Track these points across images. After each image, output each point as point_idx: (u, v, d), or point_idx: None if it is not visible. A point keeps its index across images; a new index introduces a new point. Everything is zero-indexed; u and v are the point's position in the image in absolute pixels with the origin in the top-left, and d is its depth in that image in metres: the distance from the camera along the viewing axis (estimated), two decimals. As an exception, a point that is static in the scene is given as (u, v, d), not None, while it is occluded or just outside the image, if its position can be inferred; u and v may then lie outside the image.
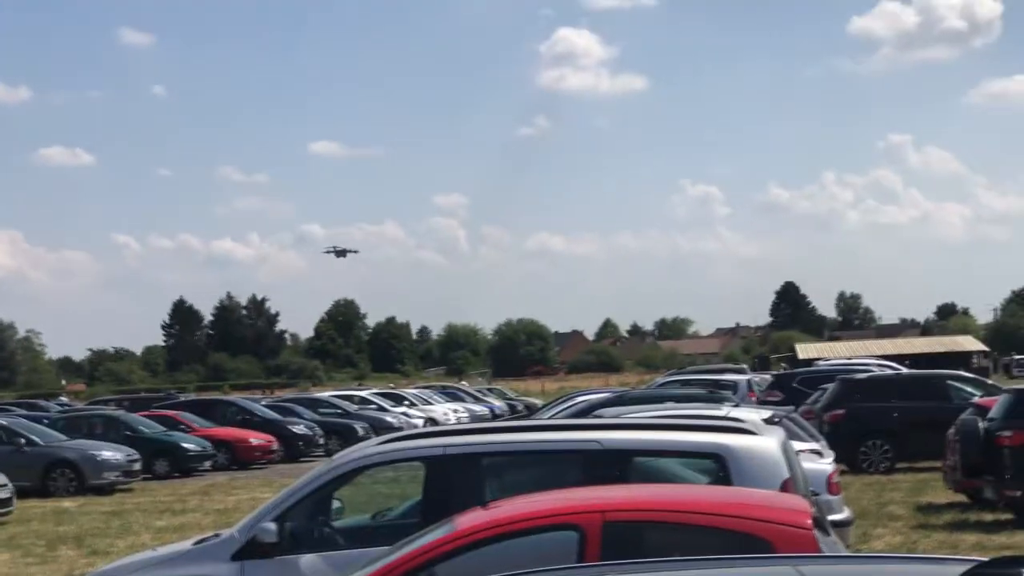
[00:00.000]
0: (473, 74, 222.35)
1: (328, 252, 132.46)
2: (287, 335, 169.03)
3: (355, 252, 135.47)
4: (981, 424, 19.84)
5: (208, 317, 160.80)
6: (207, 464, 36.13)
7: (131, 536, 21.87)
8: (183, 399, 54.53)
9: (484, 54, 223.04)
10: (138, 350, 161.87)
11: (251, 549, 9.62)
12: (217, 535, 10.26)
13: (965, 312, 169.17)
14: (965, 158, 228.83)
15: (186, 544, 10.55)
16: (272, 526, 9.58)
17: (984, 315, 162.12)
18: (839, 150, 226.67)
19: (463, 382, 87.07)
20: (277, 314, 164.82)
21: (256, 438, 38.66)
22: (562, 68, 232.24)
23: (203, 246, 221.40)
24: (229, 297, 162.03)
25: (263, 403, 46.62)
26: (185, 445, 35.97)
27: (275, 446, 38.89)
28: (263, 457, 38.41)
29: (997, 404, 20.59)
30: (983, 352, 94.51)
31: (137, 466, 32.22)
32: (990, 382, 34.69)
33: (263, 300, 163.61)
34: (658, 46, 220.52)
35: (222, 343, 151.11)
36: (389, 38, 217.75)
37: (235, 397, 55.17)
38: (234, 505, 26.19)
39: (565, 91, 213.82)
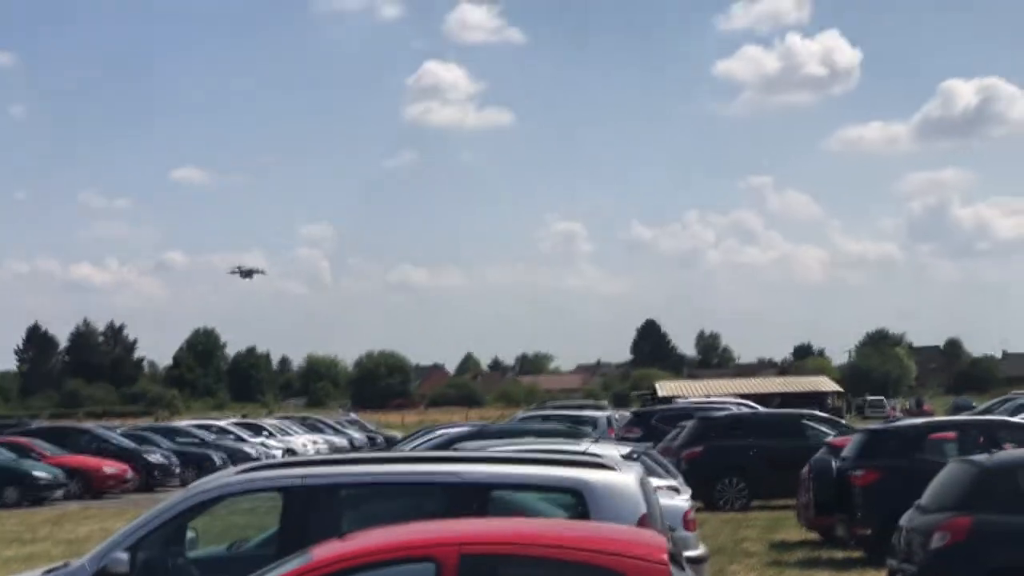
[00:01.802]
0: (341, 104, 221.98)
1: (233, 273, 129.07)
2: (145, 363, 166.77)
3: (261, 272, 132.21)
4: (834, 463, 20.16)
5: (64, 343, 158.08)
6: (59, 493, 35.40)
7: (-23, 565, 21.32)
8: (35, 426, 53.39)
9: (353, 84, 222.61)
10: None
11: (102, 580, 9.42)
12: (66, 564, 10.04)
13: (821, 353, 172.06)
14: (822, 202, 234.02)
15: (35, 574, 10.30)
16: (124, 556, 9.39)
17: (839, 356, 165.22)
18: (702, 190, 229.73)
19: (351, 413, 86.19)
20: (135, 341, 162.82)
21: (110, 467, 37.98)
22: (429, 101, 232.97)
23: (60, 270, 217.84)
24: (86, 323, 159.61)
25: (119, 431, 45.83)
26: (36, 473, 35.20)
27: (130, 475, 38.24)
28: (117, 486, 37.74)
29: (850, 444, 20.95)
30: (838, 393, 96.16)
31: (-14, 494, 31.48)
32: (844, 422, 35.31)
33: (121, 327, 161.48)
34: (525, 82, 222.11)
35: (78, 370, 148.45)
36: (256, 65, 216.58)
37: (90, 424, 54.18)
38: (86, 535, 25.66)
39: (432, 124, 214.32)
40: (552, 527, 8.04)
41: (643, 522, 9.02)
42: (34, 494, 34.65)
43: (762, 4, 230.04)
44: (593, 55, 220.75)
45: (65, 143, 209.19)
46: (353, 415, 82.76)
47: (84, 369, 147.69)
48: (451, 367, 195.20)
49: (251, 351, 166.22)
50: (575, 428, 27.55)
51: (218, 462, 40.59)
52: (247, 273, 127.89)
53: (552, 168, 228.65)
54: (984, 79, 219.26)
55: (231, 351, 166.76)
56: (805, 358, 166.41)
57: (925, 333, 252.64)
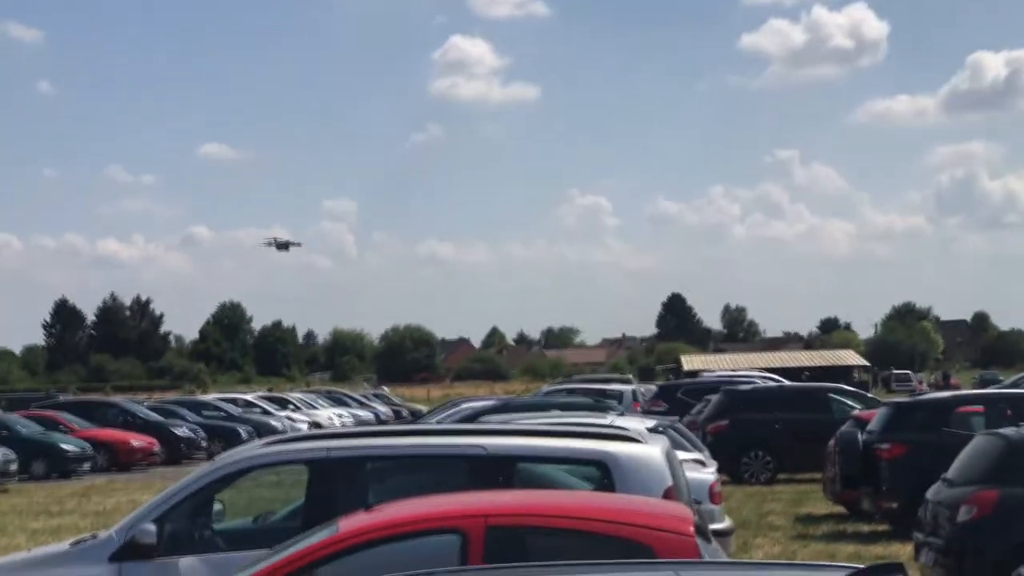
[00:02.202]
0: (366, 80, 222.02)
1: (268, 244, 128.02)
2: (171, 337, 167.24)
3: (298, 245, 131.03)
4: (860, 437, 20.13)
5: (91, 318, 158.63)
6: (87, 466, 35.59)
7: (5, 538, 21.46)
8: (63, 400, 53.68)
9: (378, 60, 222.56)
10: (17, 349, 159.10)
11: (129, 551, 9.45)
12: (94, 536, 10.08)
13: (847, 327, 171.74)
14: (849, 175, 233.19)
15: (63, 545, 10.35)
16: (151, 527, 9.43)
17: (865, 330, 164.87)
18: (728, 164, 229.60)
19: (383, 387, 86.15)
20: (161, 316, 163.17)
21: (137, 440, 38.16)
22: (454, 76, 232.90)
23: (88, 246, 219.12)
24: (113, 298, 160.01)
25: (146, 405, 46.04)
26: (64, 446, 35.40)
27: (157, 448, 38.43)
28: (144, 459, 37.93)
29: (876, 417, 20.91)
30: (864, 366, 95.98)
31: (14, 467, 31.67)
32: (870, 396, 35.23)
33: (147, 301, 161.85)
34: (550, 56, 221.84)
35: (105, 344, 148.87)
36: (282, 41, 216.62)
37: (117, 398, 54.42)
38: (113, 507, 25.82)
39: (457, 99, 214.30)
40: (578, 499, 8.05)
41: (669, 494, 9.01)
42: (62, 467, 34.86)
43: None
44: (618, 29, 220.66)
45: (92, 119, 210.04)
46: (385, 388, 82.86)
47: (111, 343, 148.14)
48: (477, 341, 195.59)
49: (277, 325, 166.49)
50: (600, 402, 27.48)
51: (244, 435, 40.72)
52: (283, 245, 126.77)
53: (577, 143, 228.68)
54: (1012, 52, 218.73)
55: (257, 325, 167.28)
56: (831, 332, 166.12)
57: (952, 307, 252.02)
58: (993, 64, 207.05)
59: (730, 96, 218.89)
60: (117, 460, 37.17)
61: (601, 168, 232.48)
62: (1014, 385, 49.01)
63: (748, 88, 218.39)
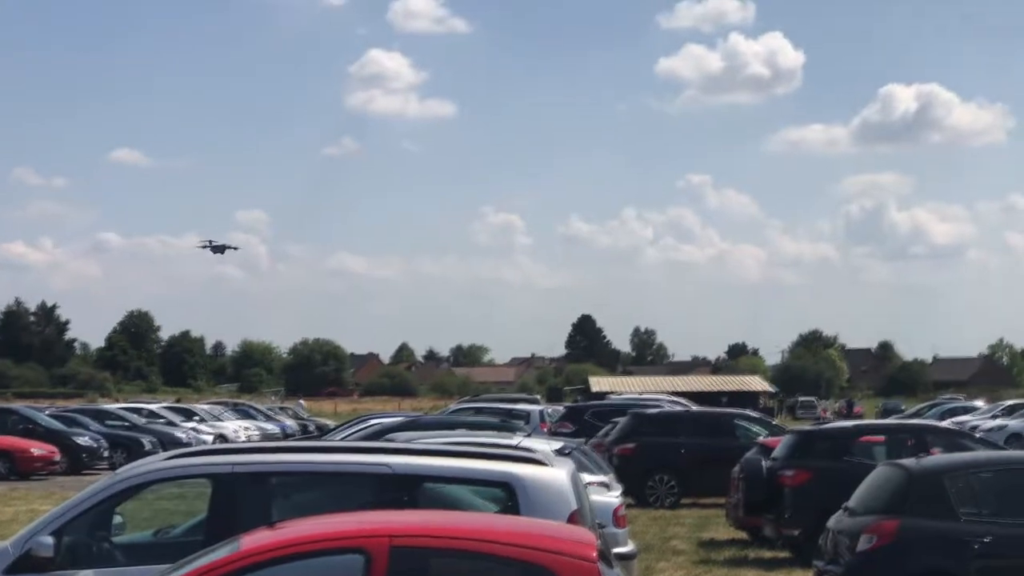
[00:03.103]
0: (282, 90, 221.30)
1: (204, 247, 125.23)
2: (77, 344, 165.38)
3: (235, 248, 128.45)
4: (764, 463, 20.29)
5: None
6: (-16, 473, 35.02)
7: (-100, 545, 21.03)
8: (-38, 405, 52.79)
9: (295, 71, 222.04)
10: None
11: (25, 563, 9.30)
12: (-10, 547, 9.92)
13: (755, 353, 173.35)
14: (761, 202, 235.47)
15: (-43, 555, 10.17)
16: (49, 540, 9.29)
17: (772, 356, 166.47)
18: (641, 187, 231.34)
19: (301, 402, 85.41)
20: (67, 322, 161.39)
21: (38, 448, 37.55)
22: (372, 89, 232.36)
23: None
24: (17, 302, 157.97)
25: (47, 412, 45.39)
26: (-38, 453, 34.81)
27: (58, 457, 37.82)
28: (45, 468, 37.33)
29: (781, 444, 21.08)
30: (770, 392, 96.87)
31: (-90, 472, 31.10)
32: (775, 422, 35.54)
33: (53, 307, 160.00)
34: (468, 73, 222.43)
35: (7, 349, 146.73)
36: (198, 48, 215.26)
37: (17, 405, 53.56)
38: (11, 517, 25.40)
39: (373, 113, 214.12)
40: (483, 521, 8.04)
41: (573, 518, 9.02)
42: (-41, 474, 34.27)
43: (706, 3, 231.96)
44: (537, 49, 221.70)
45: (3, 120, 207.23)
46: (302, 402, 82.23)
47: (14, 349, 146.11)
48: (386, 356, 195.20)
49: (185, 335, 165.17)
50: (508, 421, 27.53)
51: (148, 446, 40.24)
52: (219, 248, 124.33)
53: (492, 160, 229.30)
54: (923, 85, 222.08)
55: (165, 334, 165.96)
56: (739, 357, 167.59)
57: (858, 335, 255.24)
58: (904, 97, 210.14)
59: (646, 119, 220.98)
60: (16, 468, 36.55)
61: (515, 186, 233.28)
62: (916, 415, 49.77)
63: (663, 112, 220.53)
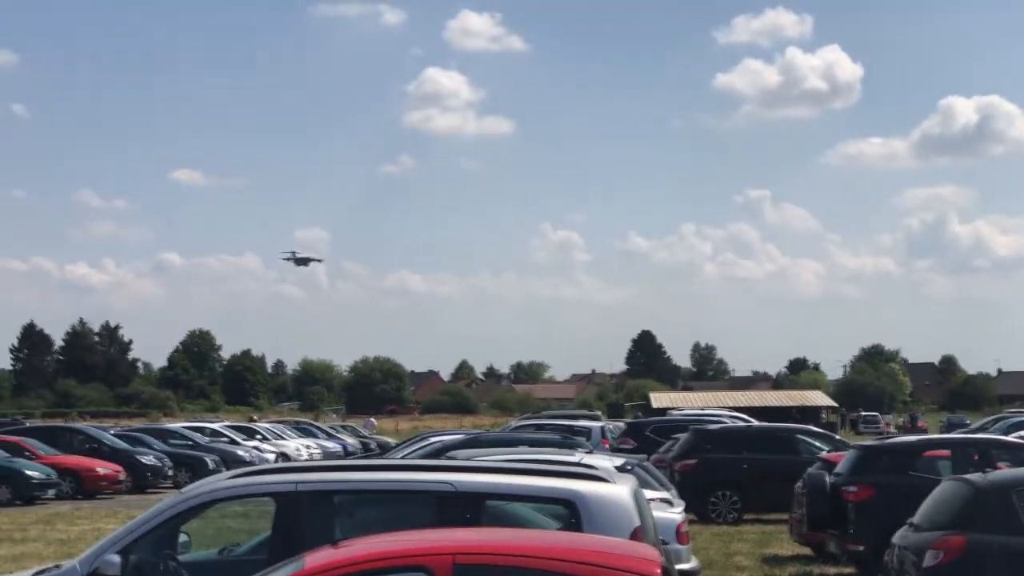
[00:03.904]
0: (340, 110, 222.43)
1: (287, 259, 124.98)
2: (139, 364, 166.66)
3: (319, 261, 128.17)
4: (828, 478, 20.15)
5: (59, 342, 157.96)
6: (51, 493, 35.32)
7: (-32, 564, 21.28)
8: (28, 425, 53.32)
9: (352, 91, 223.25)
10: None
11: (93, 582, 9.39)
12: (58, 566, 10.02)
13: (816, 367, 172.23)
14: (820, 216, 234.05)
15: (26, 575, 10.28)
16: (116, 558, 9.37)
17: (834, 371, 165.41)
18: (699, 202, 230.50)
19: (371, 420, 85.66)
20: (130, 342, 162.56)
21: (103, 467, 37.89)
22: (429, 108, 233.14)
23: (57, 270, 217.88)
24: (81, 323, 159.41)
25: (112, 432, 45.78)
26: (28, 472, 35.12)
27: (122, 476, 38.16)
28: (110, 487, 37.66)
29: (844, 459, 20.93)
30: (832, 407, 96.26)
31: (-23, 492, 31.41)
32: (838, 437, 35.28)
33: (116, 327, 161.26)
34: (525, 90, 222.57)
35: (72, 369, 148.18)
36: (257, 68, 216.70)
37: (83, 425, 54.06)
38: (78, 535, 25.63)
39: (431, 131, 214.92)
40: (545, 538, 8.03)
41: (636, 535, 9.01)
42: (26, 493, 34.60)
43: (763, 18, 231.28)
44: (594, 65, 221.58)
45: (64, 142, 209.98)
46: (373, 420, 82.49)
47: (78, 369, 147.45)
48: (446, 374, 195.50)
49: (246, 353, 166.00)
50: (569, 438, 27.47)
51: (211, 465, 40.53)
52: (303, 261, 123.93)
53: (550, 177, 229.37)
54: (984, 97, 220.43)
55: (226, 353, 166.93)
56: (800, 372, 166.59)
57: (920, 349, 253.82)
58: (964, 109, 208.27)
59: (703, 135, 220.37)
60: (82, 487, 36.90)
61: (573, 203, 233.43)
62: (981, 429, 49.26)
63: (721, 127, 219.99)
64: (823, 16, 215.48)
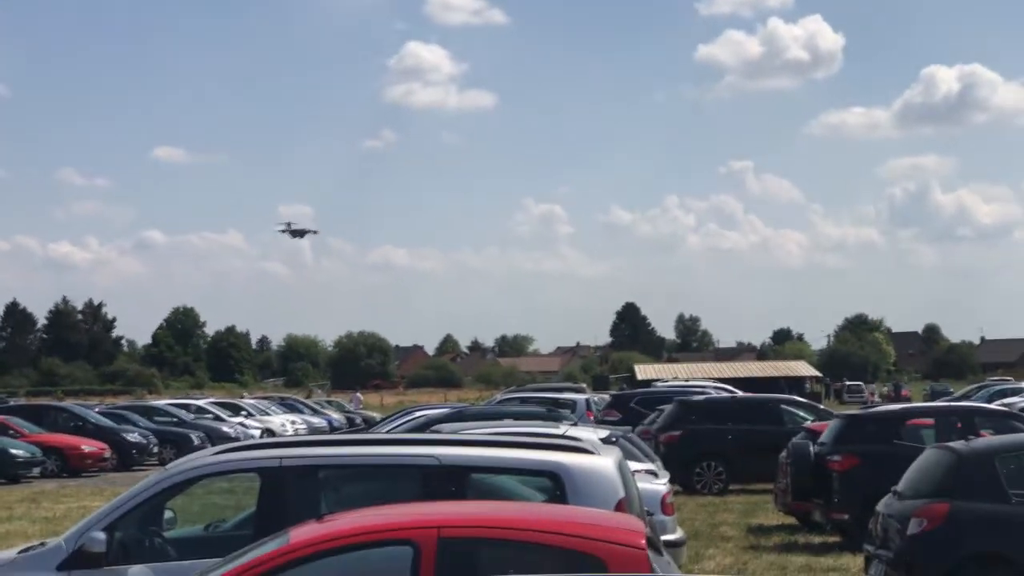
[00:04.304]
0: (321, 85, 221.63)
1: (282, 231, 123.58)
2: (124, 342, 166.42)
3: (314, 232, 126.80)
4: (812, 448, 20.23)
5: (42, 321, 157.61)
6: (36, 471, 35.29)
7: (-47, 543, 21.26)
8: (12, 404, 53.24)
9: (333, 65, 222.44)
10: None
11: (78, 559, 9.39)
12: (43, 544, 10.02)
13: (800, 338, 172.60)
14: (803, 187, 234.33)
15: (11, 553, 10.28)
16: (101, 535, 9.37)
17: (818, 341, 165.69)
18: (682, 174, 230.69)
19: (358, 394, 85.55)
20: (114, 320, 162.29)
21: (88, 445, 37.83)
22: (411, 82, 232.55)
23: (40, 248, 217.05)
24: (65, 301, 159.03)
25: (97, 410, 45.72)
26: (13, 451, 35.05)
27: (108, 454, 38.11)
28: (95, 465, 37.61)
29: (828, 429, 21.00)
30: (816, 377, 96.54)
31: (-38, 471, 31.36)
32: (822, 407, 35.40)
33: (100, 305, 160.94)
34: (507, 64, 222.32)
35: (56, 348, 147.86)
36: (236, 44, 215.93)
37: (67, 403, 54.01)
38: (63, 513, 25.63)
39: (413, 105, 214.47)
40: (530, 511, 8.05)
41: (621, 506, 9.02)
42: (11, 472, 34.56)
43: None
44: (575, 38, 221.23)
45: (45, 121, 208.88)
46: (359, 395, 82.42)
47: (62, 347, 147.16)
48: (430, 348, 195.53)
49: (230, 330, 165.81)
50: (554, 411, 27.51)
51: (196, 442, 40.50)
52: (299, 232, 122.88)
53: (533, 151, 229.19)
54: (966, 66, 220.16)
55: (210, 330, 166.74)
56: (784, 343, 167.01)
57: (904, 318, 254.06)
58: (946, 78, 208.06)
59: (685, 106, 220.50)
60: (67, 465, 36.84)
61: (556, 176, 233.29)
62: (964, 397, 49.45)
63: (703, 99, 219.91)
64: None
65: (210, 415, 49.21)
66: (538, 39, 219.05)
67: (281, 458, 9.86)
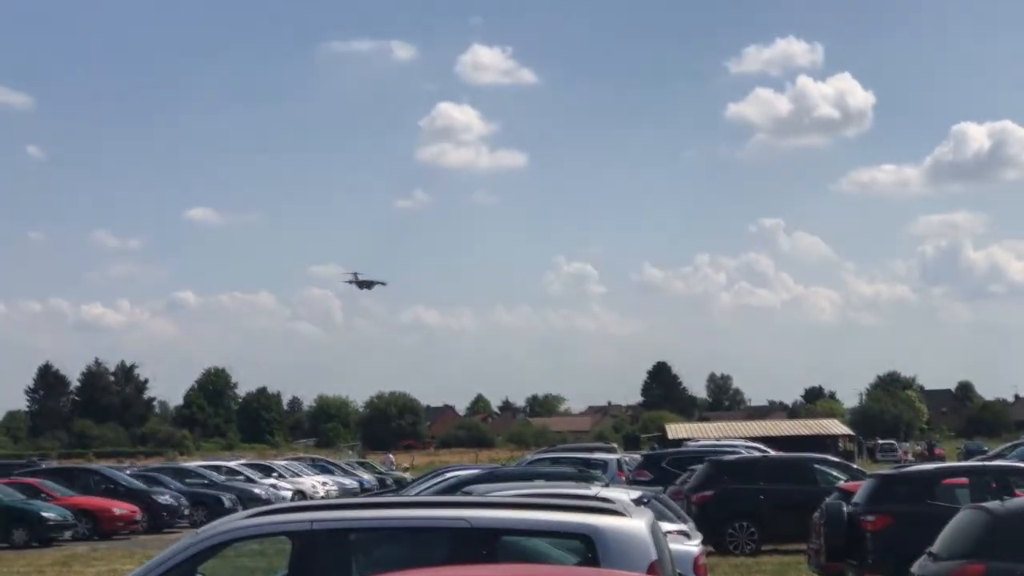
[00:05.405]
0: (353, 145, 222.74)
1: (350, 282, 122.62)
2: (156, 403, 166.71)
3: (383, 284, 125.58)
4: (845, 508, 20.10)
5: (75, 383, 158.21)
6: (68, 534, 35.33)
7: (-15, 607, 21.29)
8: (45, 466, 53.42)
9: (365, 126, 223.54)
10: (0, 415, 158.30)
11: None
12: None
13: (832, 396, 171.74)
14: (834, 244, 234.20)
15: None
16: (133, 600, 9.36)
17: (850, 399, 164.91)
18: (713, 232, 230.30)
19: (390, 456, 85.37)
20: (146, 381, 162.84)
21: (120, 508, 37.90)
22: (442, 143, 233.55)
23: (73, 310, 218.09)
24: (97, 363, 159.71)
25: (128, 472, 45.81)
26: (45, 514, 35.14)
27: (139, 516, 38.17)
28: (127, 528, 37.66)
29: (861, 489, 20.88)
30: (849, 436, 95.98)
31: (-5, 535, 31.41)
32: (855, 466, 35.19)
33: (132, 367, 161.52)
34: (538, 123, 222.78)
35: (88, 410, 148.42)
36: (269, 105, 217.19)
37: (99, 465, 54.14)
38: (94, 576, 25.63)
39: (445, 165, 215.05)
40: (563, 574, 8.00)
41: (653, 569, 8.97)
42: (43, 535, 34.61)
43: (774, 47, 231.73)
44: (605, 97, 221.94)
45: (79, 183, 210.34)
46: (391, 456, 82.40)
47: (94, 409, 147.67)
48: (461, 408, 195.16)
49: (262, 391, 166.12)
50: (585, 471, 27.48)
51: (227, 503, 40.54)
52: (366, 284, 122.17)
53: (564, 209, 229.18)
54: (996, 123, 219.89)
55: (242, 391, 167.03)
56: (816, 401, 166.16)
57: (937, 376, 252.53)
58: (977, 135, 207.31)
59: (716, 164, 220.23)
60: (99, 528, 36.89)
61: (587, 235, 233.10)
62: (999, 456, 49.07)
63: (734, 157, 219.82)
64: (834, 44, 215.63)
65: (241, 477, 49.29)
66: (568, 99, 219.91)
67: (312, 521, 9.84)
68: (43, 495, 37.15)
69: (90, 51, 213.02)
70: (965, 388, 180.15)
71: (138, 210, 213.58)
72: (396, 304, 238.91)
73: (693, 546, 15.44)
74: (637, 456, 45.58)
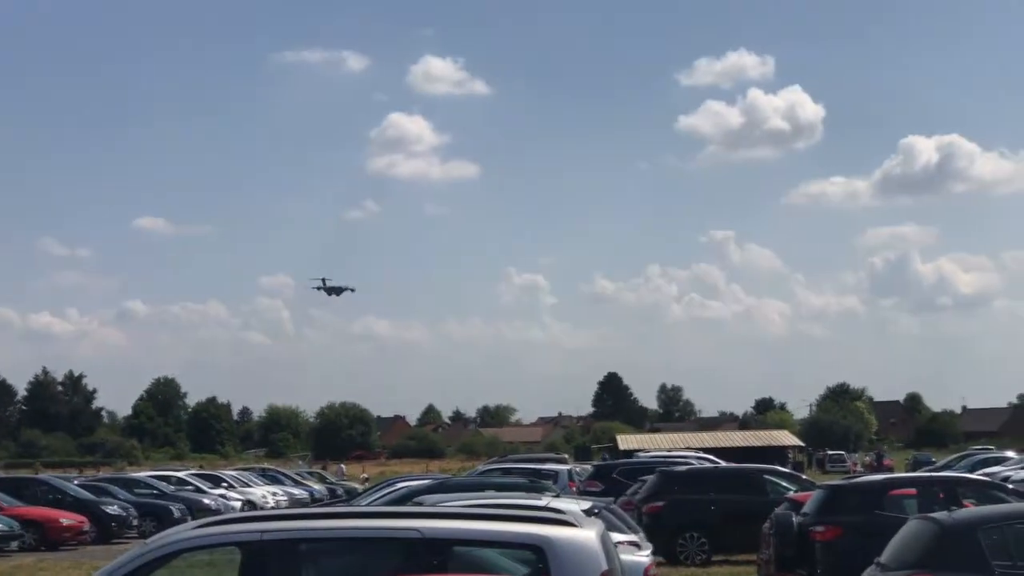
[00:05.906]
0: (304, 156, 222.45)
1: (318, 288, 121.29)
2: (104, 413, 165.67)
3: (351, 290, 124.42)
4: (795, 519, 20.20)
5: (22, 392, 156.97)
6: (14, 545, 34.96)
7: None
8: (-9, 476, 52.93)
9: (316, 136, 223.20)
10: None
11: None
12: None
13: (782, 407, 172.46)
14: (785, 256, 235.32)
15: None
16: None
17: (800, 410, 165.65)
18: (664, 244, 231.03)
19: (342, 466, 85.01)
20: (94, 391, 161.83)
21: (67, 518, 37.59)
22: (393, 154, 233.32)
23: (19, 319, 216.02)
24: (45, 372, 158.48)
25: (76, 482, 45.46)
26: (-9, 524, 34.81)
27: (87, 527, 37.85)
28: (74, 538, 37.35)
29: (811, 499, 21.00)
30: (799, 447, 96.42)
31: (-60, 545, 31.08)
32: (805, 477, 35.36)
33: (80, 376, 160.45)
34: (489, 135, 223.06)
35: (36, 419, 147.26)
36: (219, 115, 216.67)
37: (46, 475, 53.68)
38: (41, 587, 25.41)
39: (396, 176, 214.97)
40: (513, 584, 8.02)
41: (604, 579, 8.99)
42: (-11, 546, 34.26)
43: (725, 60, 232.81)
44: (557, 109, 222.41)
45: (26, 191, 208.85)
46: (343, 467, 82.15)
47: (42, 419, 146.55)
48: (412, 419, 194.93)
49: (211, 401, 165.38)
50: (536, 482, 27.47)
51: (176, 514, 40.28)
52: (334, 290, 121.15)
53: (516, 221, 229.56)
54: (945, 136, 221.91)
55: (191, 401, 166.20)
56: (766, 412, 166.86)
57: (886, 387, 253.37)
58: (925, 148, 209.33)
59: (667, 176, 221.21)
60: (46, 539, 36.56)
61: (539, 247, 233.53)
62: (946, 467, 49.47)
63: (685, 169, 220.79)
64: (784, 57, 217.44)
65: (191, 487, 48.97)
66: (520, 110, 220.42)
67: (262, 531, 9.80)
68: (-11, 505, 36.80)
69: (39, 59, 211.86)
70: (914, 399, 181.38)
71: (87, 219, 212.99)
72: (347, 314, 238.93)
73: (644, 557, 15.48)
74: (588, 467, 45.61)
